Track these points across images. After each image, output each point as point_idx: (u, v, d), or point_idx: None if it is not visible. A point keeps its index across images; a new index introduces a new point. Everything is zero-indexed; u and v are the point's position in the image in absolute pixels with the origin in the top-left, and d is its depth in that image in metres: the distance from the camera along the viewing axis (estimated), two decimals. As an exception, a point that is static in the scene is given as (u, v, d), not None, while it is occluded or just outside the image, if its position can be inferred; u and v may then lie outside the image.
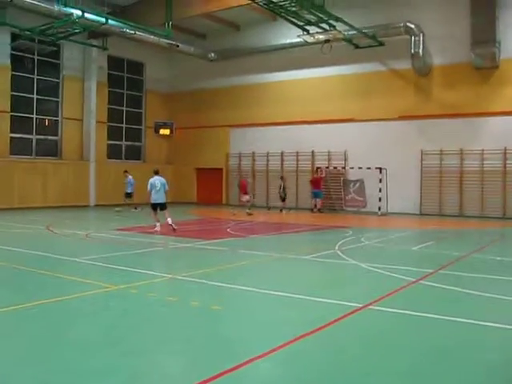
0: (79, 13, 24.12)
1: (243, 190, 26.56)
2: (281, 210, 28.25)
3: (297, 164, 31.00)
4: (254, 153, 32.72)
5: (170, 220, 17.33)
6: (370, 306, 7.72)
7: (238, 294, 8.75)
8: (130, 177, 26.79)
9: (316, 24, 23.94)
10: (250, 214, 25.06)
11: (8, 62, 27.91)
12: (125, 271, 10.46)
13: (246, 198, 26.32)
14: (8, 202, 26.69)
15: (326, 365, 5.49)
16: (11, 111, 28.33)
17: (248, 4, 23.85)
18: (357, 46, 27.51)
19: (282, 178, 29.23)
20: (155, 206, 17.63)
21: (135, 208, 26.64)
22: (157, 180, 17.53)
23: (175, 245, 14.80)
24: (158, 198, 17.46)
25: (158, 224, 17.57)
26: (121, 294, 8.56)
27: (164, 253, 13.99)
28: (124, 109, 34.76)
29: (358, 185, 28.18)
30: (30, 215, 23.22)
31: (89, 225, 21.36)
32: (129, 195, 26.84)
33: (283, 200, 28.57)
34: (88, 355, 5.66)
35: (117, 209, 26.14)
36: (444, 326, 6.90)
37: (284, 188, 28.61)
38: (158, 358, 5.69)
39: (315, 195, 28.27)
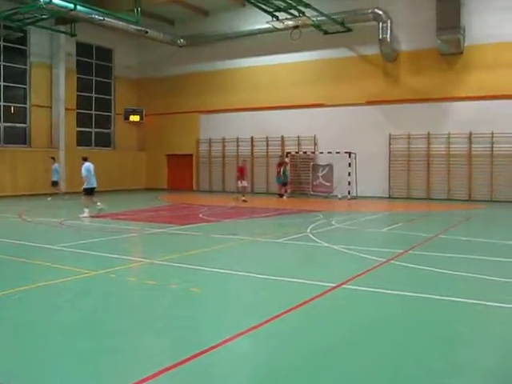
0: (47, -2, 23.84)
1: (241, 175, 25.89)
2: (281, 196, 28.14)
3: (267, 149, 31.21)
4: (224, 138, 32.83)
5: (100, 204, 18.46)
6: (344, 285, 8.03)
7: (214, 276, 8.98)
8: (57, 164, 26.43)
9: (285, 10, 24.14)
10: (245, 201, 24.46)
11: (-27, 48, 27.55)
12: (102, 257, 10.63)
13: (244, 183, 25.79)
14: (-23, 190, 26.49)
15: (303, 342, 5.75)
16: (-23, 99, 28.02)
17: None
18: (326, 32, 27.80)
19: (283, 162, 28.74)
20: (92, 191, 18.62)
21: (51, 196, 26.04)
22: (91, 166, 18.52)
23: (149, 230, 14.94)
24: (94, 182, 18.58)
25: (87, 210, 18.15)
26: (100, 278, 8.74)
27: (139, 238, 14.16)
28: (93, 95, 34.47)
29: (326, 170, 28.47)
30: (1, 204, 23.08)
31: (61, 212, 21.31)
32: (55, 183, 26.38)
33: (284, 184, 28.36)
34: (70, 338, 5.84)
35: (48, 199, 25.64)
36: (416, 303, 7.23)
37: (285, 172, 28.31)
38: (140, 339, 5.91)
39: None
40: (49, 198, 25.42)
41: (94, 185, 18.55)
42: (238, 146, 32.28)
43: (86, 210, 18.03)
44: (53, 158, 26.61)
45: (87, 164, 18.48)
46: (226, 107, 32.29)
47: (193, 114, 33.87)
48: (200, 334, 5.97)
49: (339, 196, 26.96)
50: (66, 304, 7.32)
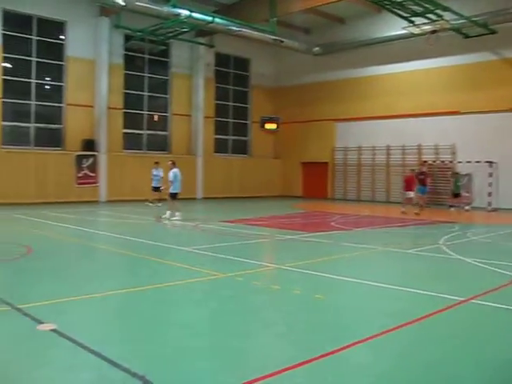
0: (187, 13, 25.05)
1: (409, 186, 23.93)
2: (453, 207, 26.06)
3: (403, 158, 30.49)
4: (360, 147, 32.50)
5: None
6: (473, 300, 7.67)
7: (340, 284, 8.93)
8: (161, 169, 24.83)
9: (422, 15, 23.40)
10: (417, 214, 22.40)
11: (121, 61, 29.34)
12: (231, 260, 10.88)
13: (410, 195, 23.87)
14: (121, 193, 28.07)
15: (426, 354, 5.56)
16: (124, 108, 29.76)
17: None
18: (466, 36, 26.60)
19: (456, 173, 26.75)
20: (176, 195, 19.28)
21: (151, 202, 25.18)
22: (178, 171, 19.23)
23: (280, 237, 15.11)
24: (179, 187, 19.28)
25: (178, 213, 18.93)
26: (227, 281, 8.95)
27: (269, 244, 14.35)
28: (230, 104, 35.54)
29: (465, 180, 27.21)
30: (142, 207, 24.24)
31: (196, 216, 22.03)
32: (157, 189, 24.83)
33: (456, 196, 26.12)
34: (196, 335, 6.08)
35: (149, 204, 25.12)
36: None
37: (456, 182, 26.04)
38: (262, 340, 6.03)
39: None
40: (150, 204, 25.06)
41: (177, 190, 19.22)
42: (374, 154, 31.79)
43: (178, 213, 18.83)
44: (156, 163, 25.63)
45: (176, 169, 19.18)
46: (362, 115, 31.98)
47: (328, 122, 33.84)
48: (319, 340, 5.95)
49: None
50: (192, 303, 7.60)
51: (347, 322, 6.74)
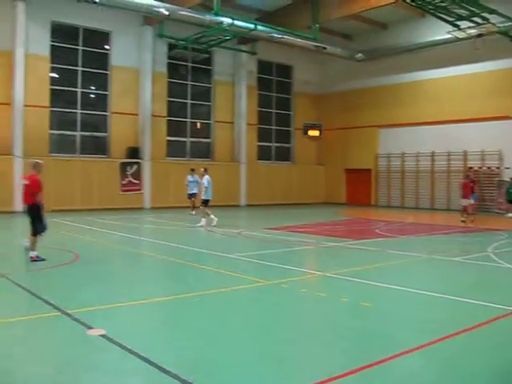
0: (229, 21, 25.25)
1: (466, 193, 22.30)
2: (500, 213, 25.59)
3: (448, 164, 30.01)
4: (403, 153, 32.11)
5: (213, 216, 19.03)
6: (525, 310, 7.48)
7: (386, 292, 8.81)
8: (197, 176, 23.87)
9: (467, 18, 22.99)
10: (464, 222, 21.44)
11: (165, 70, 29.71)
12: (276, 267, 10.85)
13: (465, 202, 22.15)
14: (165, 200, 28.34)
15: (476, 364, 5.45)
16: (167, 116, 30.07)
17: (395, 2, 23.46)
18: (514, 39, 26.01)
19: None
20: (208, 202, 19.22)
21: (193, 210, 24.21)
22: (210, 178, 19.15)
23: (325, 244, 15.02)
24: (211, 194, 19.20)
25: (204, 220, 19.01)
26: (273, 288, 8.93)
27: (314, 251, 14.26)
28: (273, 111, 35.56)
29: (513, 186, 26.47)
30: (185, 214, 24.33)
31: (240, 223, 22.08)
32: (193, 195, 24.56)
33: (510, 202, 25.27)
34: (243, 342, 6.10)
35: (192, 212, 24.10)
36: None
37: (510, 189, 25.13)
38: (311, 348, 5.98)
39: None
40: (192, 213, 24.01)
41: (210, 197, 19.17)
42: (417, 160, 31.36)
43: (204, 220, 18.91)
44: (192, 170, 25.12)
45: (208, 176, 19.13)
46: (406, 121, 31.58)
47: (371, 129, 33.55)
48: (368, 348, 5.88)
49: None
50: (238, 310, 7.63)
51: (395, 330, 6.64)
